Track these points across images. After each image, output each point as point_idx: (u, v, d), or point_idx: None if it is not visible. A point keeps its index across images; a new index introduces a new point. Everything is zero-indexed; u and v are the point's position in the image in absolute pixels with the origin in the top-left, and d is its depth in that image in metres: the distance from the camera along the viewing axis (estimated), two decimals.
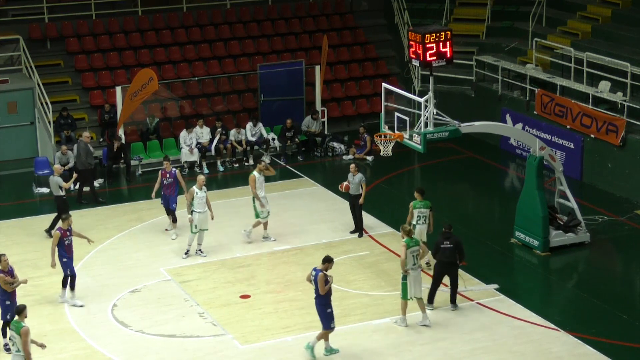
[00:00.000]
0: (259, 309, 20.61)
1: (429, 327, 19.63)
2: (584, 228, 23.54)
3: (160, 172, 24.39)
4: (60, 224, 21.10)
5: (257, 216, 23.70)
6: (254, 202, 23.57)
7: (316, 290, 18.34)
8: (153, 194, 24.46)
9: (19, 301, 20.56)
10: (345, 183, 24.11)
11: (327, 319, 18.42)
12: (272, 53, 33.50)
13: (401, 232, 19.87)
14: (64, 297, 20.93)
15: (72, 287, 20.89)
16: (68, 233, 20.89)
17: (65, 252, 20.69)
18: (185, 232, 23.67)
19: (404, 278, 19.39)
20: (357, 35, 35.20)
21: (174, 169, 24.35)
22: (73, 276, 20.83)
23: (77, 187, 26.70)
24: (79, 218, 24.95)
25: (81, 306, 20.69)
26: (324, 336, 18.61)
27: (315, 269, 18.38)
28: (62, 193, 24.12)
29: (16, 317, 16.93)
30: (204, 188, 22.85)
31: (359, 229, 24.19)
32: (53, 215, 24.26)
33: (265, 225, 23.92)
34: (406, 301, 19.58)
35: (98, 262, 22.92)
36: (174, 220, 24.22)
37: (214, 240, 23.77)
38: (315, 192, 25.80)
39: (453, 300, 20.42)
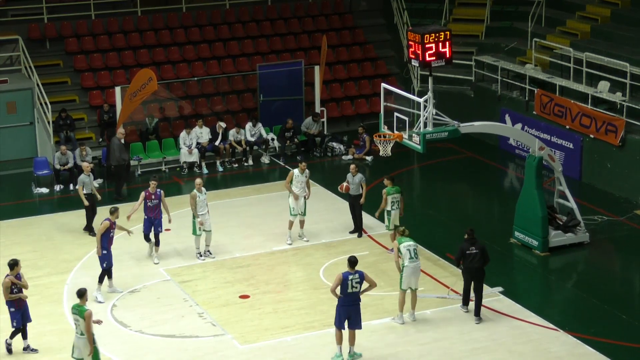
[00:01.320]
0: (258, 309, 20.61)
1: (428, 327, 19.64)
2: (583, 228, 23.54)
3: (143, 193, 22.66)
4: (109, 215, 21.13)
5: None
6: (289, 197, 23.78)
7: (358, 292, 18.06)
8: (128, 216, 22.48)
9: None
10: (344, 184, 23.99)
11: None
12: (271, 53, 33.50)
13: (396, 233, 20.01)
14: (112, 288, 21.29)
15: (110, 277, 21.23)
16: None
17: (106, 244, 20.90)
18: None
19: (402, 271, 19.54)
20: (356, 35, 35.20)
21: (159, 190, 22.71)
22: (110, 267, 21.11)
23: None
24: (78, 218, 24.95)
25: (121, 292, 21.14)
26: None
27: (351, 272, 17.93)
28: (88, 191, 24.21)
29: (78, 301, 17.18)
30: (204, 190, 22.84)
31: (358, 229, 24.20)
32: (47, 216, 24.18)
33: (302, 224, 23.92)
34: (404, 293, 19.63)
35: (97, 263, 22.86)
36: (157, 243, 22.67)
37: (213, 241, 23.74)
38: (314, 192, 25.75)
39: (477, 314, 19.93)
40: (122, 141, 27.34)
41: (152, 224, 22.60)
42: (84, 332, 16.94)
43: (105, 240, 20.90)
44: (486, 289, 21.03)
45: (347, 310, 18.07)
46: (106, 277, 21.18)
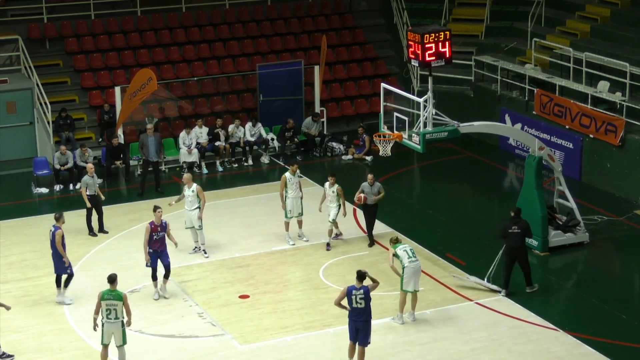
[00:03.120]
0: (258, 309, 20.61)
1: (428, 327, 19.65)
2: (583, 228, 23.54)
3: (148, 225, 20.86)
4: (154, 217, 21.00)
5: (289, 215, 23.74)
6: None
7: (366, 309, 17.73)
8: (146, 258, 20.96)
9: (18, 301, 20.68)
10: (361, 194, 23.20)
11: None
12: (271, 53, 33.50)
13: (390, 243, 20.11)
14: (164, 292, 21.12)
15: (157, 278, 21.10)
16: (159, 229, 20.85)
17: (150, 246, 20.82)
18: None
19: (403, 272, 19.53)
20: (356, 35, 35.20)
21: (164, 220, 21.11)
22: (155, 266, 21.03)
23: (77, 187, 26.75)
24: (77, 217, 24.94)
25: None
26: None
27: (356, 287, 17.68)
28: (91, 192, 24.21)
29: (109, 287, 17.61)
30: (194, 185, 22.86)
31: (371, 239, 23.68)
32: (47, 216, 24.17)
33: (300, 224, 23.91)
34: (405, 294, 19.64)
35: (97, 262, 22.91)
36: (167, 275, 21.08)
37: (212, 241, 23.77)
38: (314, 192, 25.77)
39: (529, 283, 21.05)
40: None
41: (159, 257, 21.00)
42: (121, 314, 17.53)
43: (149, 243, 20.77)
44: (493, 286, 21.06)
45: (355, 323, 17.82)
46: (161, 279, 21.02)
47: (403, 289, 19.63)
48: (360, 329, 17.78)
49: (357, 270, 17.92)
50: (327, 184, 23.55)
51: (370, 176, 23.31)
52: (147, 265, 20.99)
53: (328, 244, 23.40)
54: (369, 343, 17.91)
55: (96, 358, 18.50)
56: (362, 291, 17.65)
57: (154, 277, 21.11)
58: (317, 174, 28.57)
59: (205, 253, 23.17)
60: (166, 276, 21.11)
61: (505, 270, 20.95)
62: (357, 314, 17.75)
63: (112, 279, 17.67)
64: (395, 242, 19.93)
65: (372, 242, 23.55)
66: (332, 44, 33.78)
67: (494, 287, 21.14)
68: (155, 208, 21.08)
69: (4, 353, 18.74)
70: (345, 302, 17.82)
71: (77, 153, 27.98)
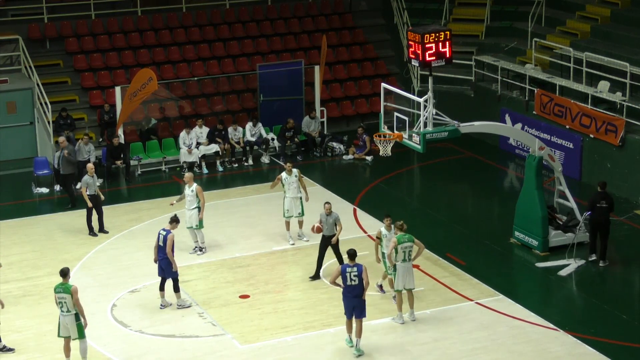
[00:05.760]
0: (258, 309, 20.61)
1: (428, 327, 19.65)
2: (583, 228, 23.53)
3: (172, 235, 20.50)
4: (169, 226, 20.64)
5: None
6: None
7: (360, 285, 18.31)
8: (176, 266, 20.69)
9: (18, 301, 20.68)
10: (316, 224, 21.62)
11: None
12: (271, 53, 33.51)
13: (394, 228, 19.96)
14: (167, 304, 20.68)
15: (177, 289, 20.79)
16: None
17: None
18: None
19: (394, 270, 19.57)
20: (356, 35, 35.20)
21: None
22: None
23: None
24: (78, 217, 24.96)
25: (189, 306, 20.62)
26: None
27: (350, 265, 18.30)
28: (92, 192, 24.17)
29: (61, 280, 17.74)
30: (194, 185, 22.88)
31: (317, 272, 21.97)
32: (47, 216, 24.15)
33: (300, 224, 23.84)
34: (400, 293, 19.66)
35: (98, 262, 22.92)
36: (176, 289, 20.67)
37: (213, 241, 23.77)
38: (314, 192, 25.76)
39: (603, 257, 22.33)
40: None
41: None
42: (72, 308, 17.60)
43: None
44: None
45: (351, 301, 18.45)
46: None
47: (396, 288, 19.71)
48: (355, 305, 18.40)
49: (347, 250, 18.53)
50: (382, 228, 20.80)
51: (327, 205, 21.56)
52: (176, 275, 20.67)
53: (381, 286, 21.22)
54: (365, 316, 18.56)
55: (97, 358, 18.53)
56: (355, 269, 18.29)
57: (163, 288, 20.73)
58: (318, 174, 28.58)
59: (201, 251, 23.19)
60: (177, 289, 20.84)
61: (590, 239, 22.53)
62: (350, 291, 18.35)
63: (63, 273, 17.78)
64: (401, 229, 19.71)
65: (316, 274, 21.77)
66: (332, 44, 33.79)
67: (581, 261, 22.32)
68: (174, 219, 20.83)
69: (4, 346, 18.85)
70: (339, 280, 18.44)
71: (79, 145, 27.71)
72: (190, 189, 22.91)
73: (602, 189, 22.19)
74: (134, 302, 20.96)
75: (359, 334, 18.56)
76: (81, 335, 17.89)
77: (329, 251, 21.66)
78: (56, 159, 27.11)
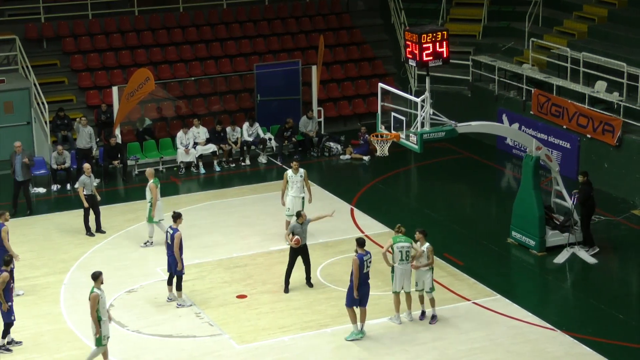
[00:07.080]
0: (255, 309, 20.60)
1: (426, 327, 19.65)
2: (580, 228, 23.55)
3: (180, 234, 20.44)
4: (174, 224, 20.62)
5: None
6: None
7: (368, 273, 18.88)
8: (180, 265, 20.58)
9: (16, 301, 20.58)
10: (295, 237, 20.87)
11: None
12: (268, 53, 33.49)
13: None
14: (174, 298, 20.81)
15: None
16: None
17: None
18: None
19: (392, 270, 19.57)
20: (354, 35, 35.20)
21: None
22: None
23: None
24: (75, 218, 24.94)
25: (190, 306, 20.65)
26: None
27: (364, 253, 18.83)
28: (88, 192, 24.17)
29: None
30: (150, 181, 23.22)
31: (308, 278, 21.65)
32: (44, 216, 24.05)
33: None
34: (397, 295, 19.66)
35: (94, 262, 22.85)
36: (179, 287, 20.84)
37: (210, 240, 23.76)
38: (312, 191, 25.74)
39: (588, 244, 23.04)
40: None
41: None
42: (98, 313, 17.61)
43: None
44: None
45: (364, 289, 18.89)
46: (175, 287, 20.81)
47: (394, 290, 19.69)
48: (365, 292, 18.95)
49: (356, 239, 19.02)
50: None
51: (303, 213, 21.23)
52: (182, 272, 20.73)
53: (423, 312, 20.17)
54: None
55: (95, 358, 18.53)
56: (369, 255, 18.89)
57: (170, 282, 20.84)
58: (315, 174, 28.55)
59: (145, 245, 23.44)
60: (178, 288, 20.90)
61: (585, 227, 22.92)
62: (366, 278, 18.91)
63: (94, 276, 17.62)
64: (398, 232, 19.81)
65: (286, 287, 21.34)
66: (329, 44, 33.77)
67: (587, 254, 22.66)
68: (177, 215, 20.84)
69: (12, 340, 18.91)
70: (389, 257, 19.33)
71: (78, 126, 27.98)
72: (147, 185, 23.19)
73: (588, 180, 22.92)
74: (131, 302, 20.95)
75: (364, 319, 19.13)
76: (97, 343, 17.75)
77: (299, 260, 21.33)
78: (17, 163, 25.78)
